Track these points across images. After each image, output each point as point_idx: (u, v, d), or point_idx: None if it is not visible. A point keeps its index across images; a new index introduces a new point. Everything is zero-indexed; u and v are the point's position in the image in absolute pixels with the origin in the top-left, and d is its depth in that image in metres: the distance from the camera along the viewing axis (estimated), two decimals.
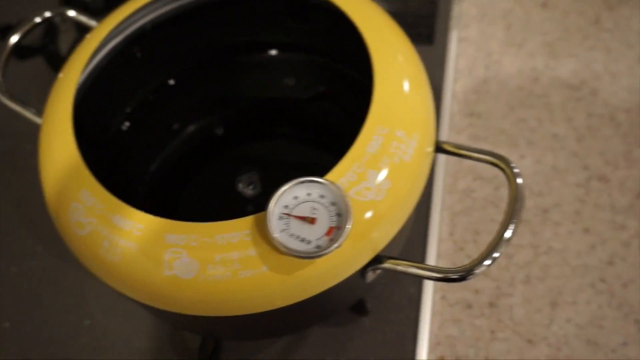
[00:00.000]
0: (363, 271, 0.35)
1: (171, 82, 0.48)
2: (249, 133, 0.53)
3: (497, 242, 0.34)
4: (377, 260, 0.35)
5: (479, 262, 0.34)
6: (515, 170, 0.36)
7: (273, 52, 0.50)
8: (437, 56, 0.62)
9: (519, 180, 0.36)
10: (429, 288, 0.50)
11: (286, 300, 0.33)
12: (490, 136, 0.57)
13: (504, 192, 0.55)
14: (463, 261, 0.52)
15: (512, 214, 0.35)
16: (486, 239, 0.52)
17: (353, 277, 0.35)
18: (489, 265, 0.34)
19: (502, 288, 0.50)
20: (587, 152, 0.56)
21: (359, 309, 0.47)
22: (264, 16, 0.47)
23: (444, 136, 0.58)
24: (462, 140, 0.57)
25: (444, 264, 0.52)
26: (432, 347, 0.48)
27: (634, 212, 0.53)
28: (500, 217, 0.52)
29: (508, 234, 0.34)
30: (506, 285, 0.51)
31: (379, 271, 0.37)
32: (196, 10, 0.45)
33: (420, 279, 0.50)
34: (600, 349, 0.48)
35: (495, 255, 0.34)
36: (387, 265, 0.36)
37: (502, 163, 0.37)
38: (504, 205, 0.54)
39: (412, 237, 0.52)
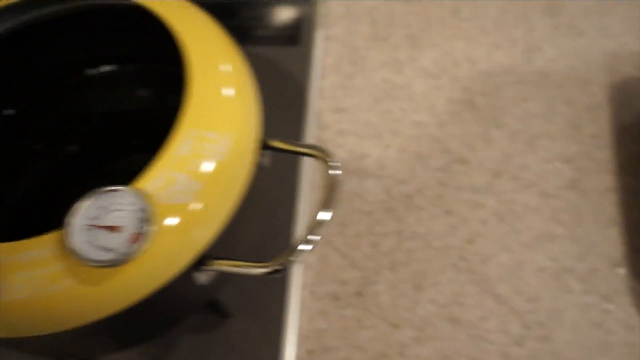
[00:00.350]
0: (188, 273, 0.36)
1: (12, 111, 0.48)
2: (110, 149, 0.53)
3: (312, 226, 0.35)
4: (201, 261, 0.36)
5: (295, 248, 0.35)
6: (331, 163, 0.37)
7: (120, 66, 0.50)
8: (303, 56, 0.63)
9: (333, 172, 0.37)
10: (297, 284, 0.51)
11: (103, 311, 0.33)
12: (356, 129, 0.59)
13: (370, 184, 0.56)
14: (330, 254, 0.53)
15: (327, 202, 0.36)
16: (352, 230, 0.54)
17: (178, 280, 0.35)
18: (310, 249, 0.35)
19: (369, 277, 0.52)
20: (448, 137, 0.58)
21: (220, 311, 0.48)
22: (101, 31, 0.47)
23: (311, 134, 0.59)
24: (329, 135, 0.58)
25: (312, 259, 0.53)
26: (301, 342, 0.49)
27: (491, 190, 0.55)
28: (366, 207, 0.53)
29: (322, 217, 0.35)
30: (372, 274, 0.52)
31: (211, 272, 0.38)
32: (29, 30, 0.45)
33: (284, 276, 0.50)
34: (461, 325, 0.50)
35: (312, 238, 0.35)
36: (213, 266, 0.36)
37: (321, 154, 0.38)
38: (369, 196, 0.56)
39: (278, 236, 0.53)
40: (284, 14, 0.65)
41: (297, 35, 0.64)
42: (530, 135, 0.58)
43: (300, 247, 0.35)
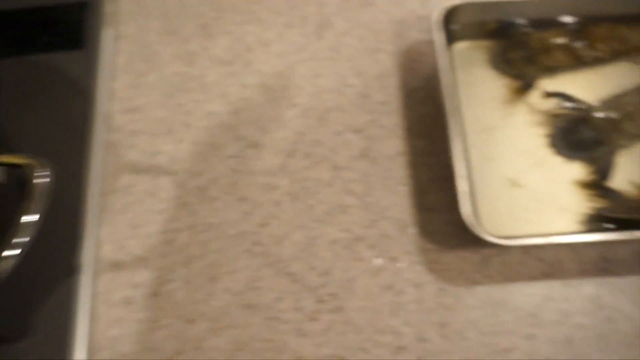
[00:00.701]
0: None
1: None
2: None
3: (16, 231, 0.34)
4: None
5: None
6: (37, 173, 0.36)
7: None
8: (90, 59, 0.61)
9: (38, 180, 0.36)
10: (85, 296, 0.50)
11: None
12: (149, 128, 0.57)
13: (163, 181, 0.55)
14: (123, 259, 0.52)
15: (31, 207, 0.34)
16: (146, 231, 0.53)
17: None
18: (18, 255, 0.34)
19: (164, 276, 0.51)
20: (242, 123, 0.57)
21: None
22: None
23: (99, 138, 0.57)
24: (121, 137, 0.57)
25: (105, 265, 0.52)
26: (94, 353, 0.48)
27: (284, 171, 0.55)
28: (159, 205, 0.52)
29: (25, 220, 0.34)
30: (167, 272, 0.51)
31: None
32: None
33: (70, 289, 0.49)
34: (256, 309, 0.49)
35: (19, 240, 0.34)
36: None
37: (29, 163, 0.37)
38: (162, 193, 0.55)
39: (62, 248, 0.51)
40: (69, 17, 0.63)
41: (83, 38, 0.62)
42: (323, 111, 0.58)
43: (6, 253, 0.33)
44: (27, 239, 0.34)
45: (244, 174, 0.55)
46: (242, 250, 0.52)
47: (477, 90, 0.57)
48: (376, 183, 0.55)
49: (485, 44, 0.59)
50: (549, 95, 0.56)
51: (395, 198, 0.54)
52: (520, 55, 0.58)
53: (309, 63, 0.61)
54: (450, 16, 0.57)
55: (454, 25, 0.58)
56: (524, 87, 0.57)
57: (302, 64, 0.61)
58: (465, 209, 0.47)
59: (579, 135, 0.54)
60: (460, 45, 0.59)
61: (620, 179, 0.53)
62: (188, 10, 0.65)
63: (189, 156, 0.56)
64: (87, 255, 0.51)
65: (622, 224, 0.50)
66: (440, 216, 0.53)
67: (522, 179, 0.53)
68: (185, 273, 0.51)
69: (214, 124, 0.58)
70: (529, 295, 0.50)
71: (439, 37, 0.55)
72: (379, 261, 0.51)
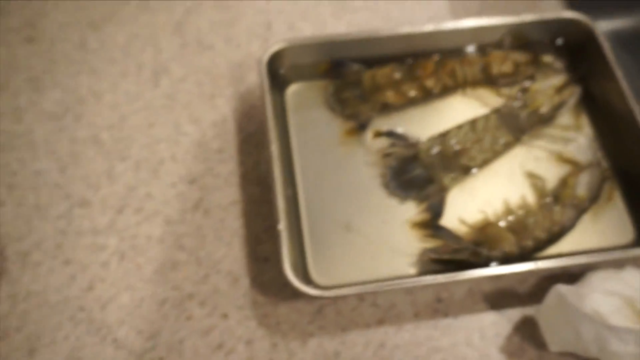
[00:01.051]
0: None
1: None
2: None
3: None
4: None
5: None
6: None
7: None
8: None
9: None
10: None
11: None
12: None
13: None
14: None
15: None
16: None
17: None
18: None
19: None
20: (70, 181, 0.55)
21: None
22: None
23: None
24: None
25: None
26: None
27: (113, 229, 0.53)
28: None
29: None
30: None
31: None
32: None
33: None
34: None
35: None
36: None
37: None
38: None
39: None
40: None
41: None
42: (156, 162, 0.56)
43: None
44: None
45: (70, 235, 0.53)
46: (65, 318, 0.49)
47: (311, 132, 0.57)
48: (209, 235, 0.53)
49: (319, 84, 0.59)
50: (379, 134, 0.56)
51: (228, 250, 0.52)
52: (354, 94, 0.58)
53: (144, 112, 0.59)
54: (279, 58, 0.56)
55: (283, 68, 0.57)
56: (358, 127, 0.57)
57: (136, 113, 0.59)
58: (286, 262, 0.46)
59: (410, 174, 0.54)
60: (295, 87, 0.59)
61: (452, 217, 0.53)
62: (17, 62, 0.62)
63: (11, 220, 0.53)
64: None
65: (454, 263, 0.50)
66: (274, 266, 0.52)
67: (356, 222, 0.53)
68: (1, 348, 0.47)
69: (40, 183, 0.55)
70: (363, 344, 0.49)
71: (264, 81, 0.54)
72: (209, 320, 0.49)
